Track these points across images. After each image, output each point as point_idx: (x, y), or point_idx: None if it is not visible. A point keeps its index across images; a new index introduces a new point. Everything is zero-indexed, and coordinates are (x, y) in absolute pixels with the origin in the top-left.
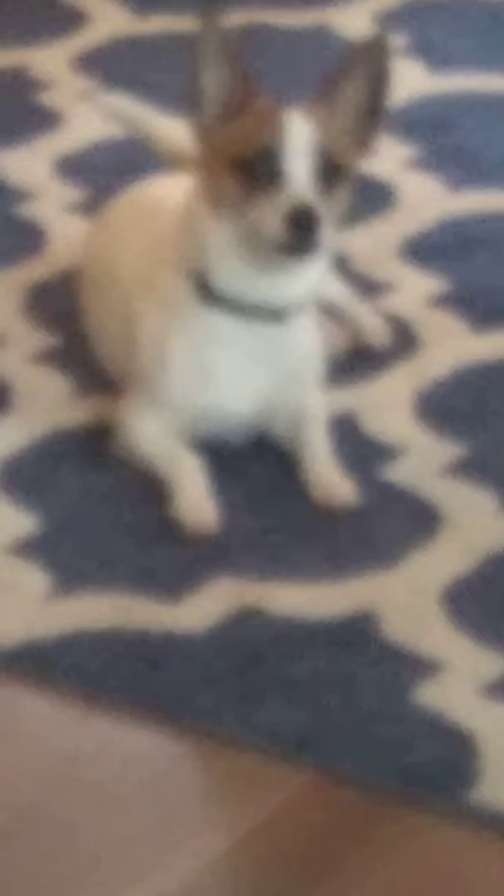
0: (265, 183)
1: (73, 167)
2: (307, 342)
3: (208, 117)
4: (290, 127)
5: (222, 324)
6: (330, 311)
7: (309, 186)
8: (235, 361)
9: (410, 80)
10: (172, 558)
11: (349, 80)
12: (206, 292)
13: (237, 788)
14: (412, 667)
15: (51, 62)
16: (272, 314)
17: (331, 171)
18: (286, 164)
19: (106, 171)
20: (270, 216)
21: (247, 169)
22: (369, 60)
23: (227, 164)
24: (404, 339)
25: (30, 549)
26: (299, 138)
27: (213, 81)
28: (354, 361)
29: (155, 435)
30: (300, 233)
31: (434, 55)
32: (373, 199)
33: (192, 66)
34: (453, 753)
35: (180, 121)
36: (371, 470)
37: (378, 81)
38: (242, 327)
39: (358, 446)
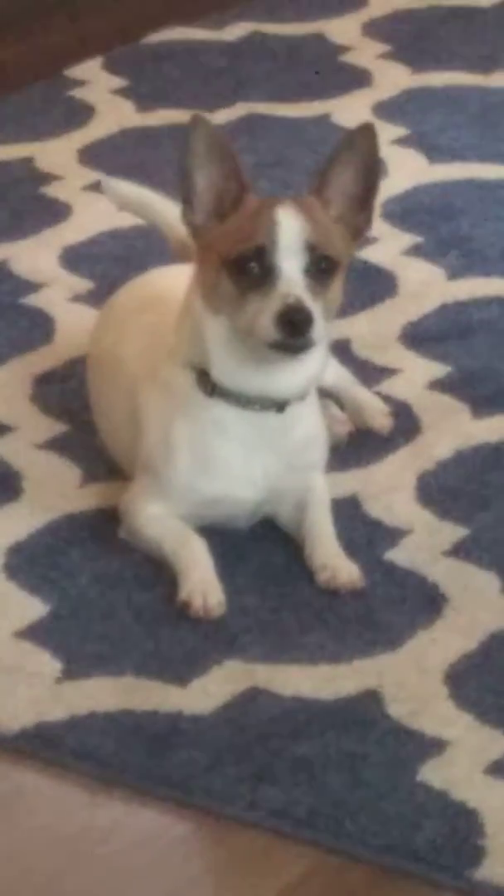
0: (258, 281)
1: (80, 257)
2: (309, 428)
3: (201, 215)
4: (281, 224)
5: (224, 413)
6: (332, 396)
7: (300, 284)
8: (238, 449)
9: (410, 170)
10: (179, 641)
11: (339, 171)
12: (208, 383)
13: (245, 867)
14: (417, 746)
15: (58, 154)
16: (273, 403)
17: (323, 264)
18: (278, 262)
19: (112, 262)
20: (263, 315)
21: (240, 266)
22: (358, 150)
23: (221, 262)
24: (406, 423)
25: (39, 633)
26: (291, 235)
27: (205, 181)
28: (357, 445)
29: (161, 520)
30: (293, 332)
31: (433, 144)
32: (375, 285)
33: (184, 166)
34: (459, 831)
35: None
36: (375, 552)
37: (368, 170)
38: (244, 417)
39: (362, 529)
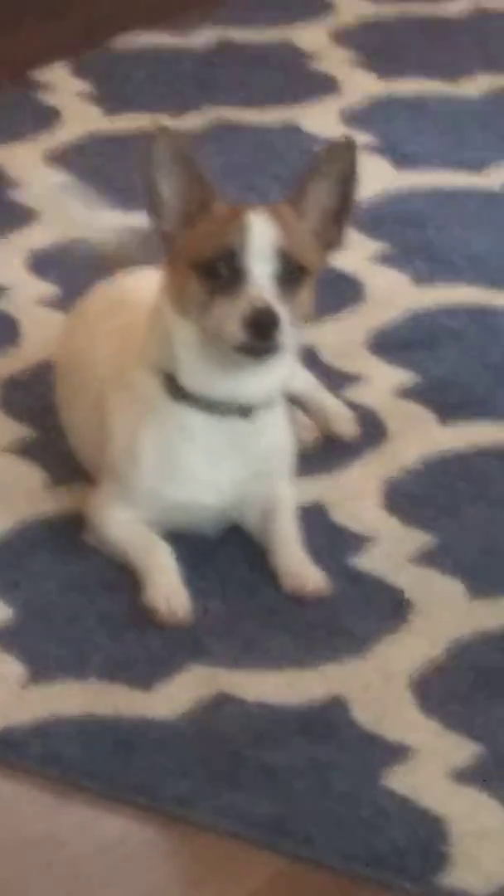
0: (226, 285)
1: (47, 262)
2: (276, 435)
3: (169, 223)
4: (251, 229)
5: (191, 419)
6: (299, 403)
7: (269, 289)
8: (205, 455)
9: (377, 177)
10: (145, 646)
11: (316, 182)
12: (175, 388)
13: (210, 874)
14: (382, 752)
15: (24, 159)
16: (240, 409)
17: (293, 271)
18: (247, 266)
19: (79, 266)
20: (231, 318)
21: (209, 271)
22: (337, 162)
23: (190, 266)
24: (373, 430)
25: (4, 637)
26: (261, 240)
27: (170, 188)
28: (323, 452)
29: (126, 524)
30: (260, 335)
31: (400, 152)
32: (341, 293)
33: (149, 174)
34: (424, 837)
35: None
36: (340, 558)
37: (345, 183)
38: (211, 422)
39: (327, 535)
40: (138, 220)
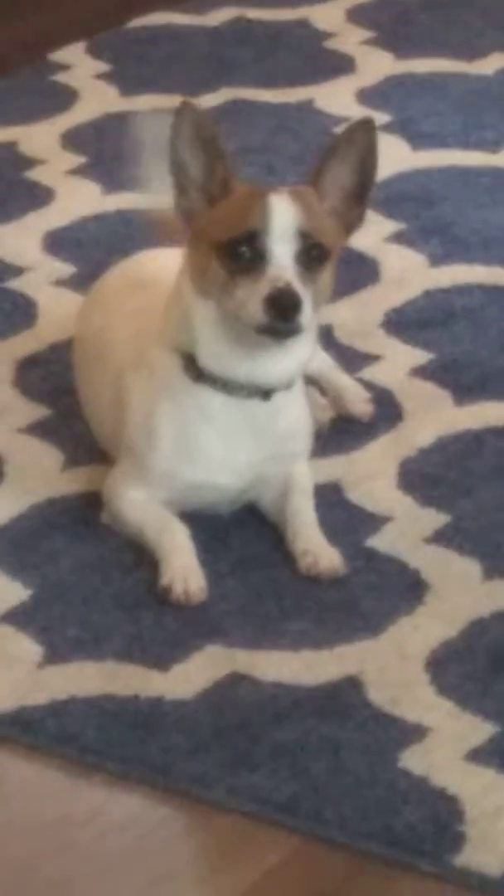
0: (249, 265)
1: (64, 242)
2: (294, 416)
3: (192, 201)
4: (273, 210)
5: (210, 399)
6: (315, 383)
7: (291, 270)
8: (223, 435)
9: (393, 157)
10: (161, 626)
11: (336, 164)
12: (194, 368)
13: (226, 852)
14: (398, 732)
15: (41, 139)
16: (259, 391)
17: (315, 252)
18: (268, 247)
19: (96, 246)
20: (252, 299)
21: (231, 251)
22: (356, 143)
23: (211, 246)
24: (388, 410)
25: (21, 617)
26: (283, 221)
27: (194, 167)
28: (339, 432)
29: (143, 504)
30: (281, 316)
31: (416, 131)
32: (357, 272)
33: (172, 152)
34: (439, 817)
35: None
36: (356, 538)
37: (364, 164)
38: (230, 402)
39: (343, 515)
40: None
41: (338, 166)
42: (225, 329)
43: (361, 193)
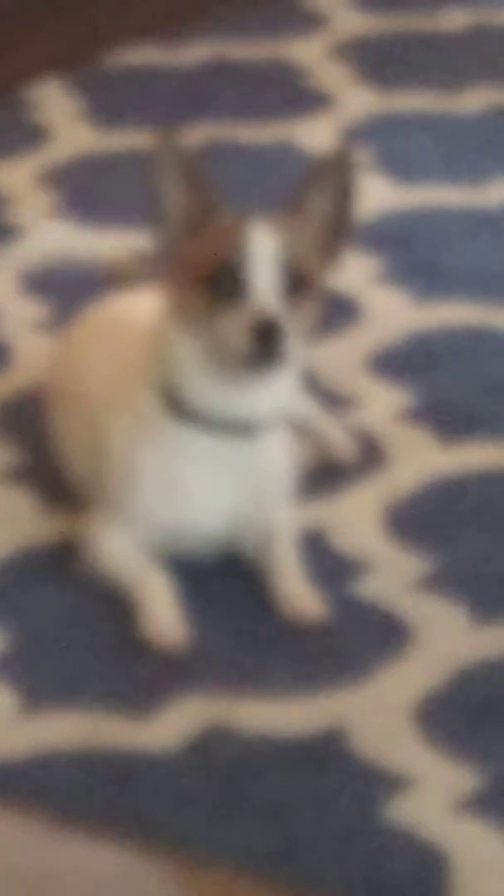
0: (230, 296)
1: (37, 283)
2: (277, 458)
3: (171, 233)
4: (253, 240)
5: (192, 439)
6: (296, 426)
7: (273, 299)
8: (205, 477)
9: (375, 194)
10: (141, 676)
11: (315, 194)
12: (176, 407)
13: None
14: (384, 783)
15: (14, 178)
16: (242, 429)
17: (296, 283)
18: (250, 277)
19: (70, 288)
20: (235, 329)
21: (211, 283)
22: (335, 174)
23: (192, 279)
24: (371, 454)
25: None
26: (263, 251)
27: (173, 199)
28: (322, 476)
29: (122, 551)
30: (264, 345)
31: (398, 169)
32: (339, 313)
33: (151, 184)
34: (426, 869)
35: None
36: (340, 585)
37: (344, 195)
38: (212, 443)
39: (326, 562)
40: (134, 239)
41: (316, 196)
42: (208, 363)
43: (342, 222)
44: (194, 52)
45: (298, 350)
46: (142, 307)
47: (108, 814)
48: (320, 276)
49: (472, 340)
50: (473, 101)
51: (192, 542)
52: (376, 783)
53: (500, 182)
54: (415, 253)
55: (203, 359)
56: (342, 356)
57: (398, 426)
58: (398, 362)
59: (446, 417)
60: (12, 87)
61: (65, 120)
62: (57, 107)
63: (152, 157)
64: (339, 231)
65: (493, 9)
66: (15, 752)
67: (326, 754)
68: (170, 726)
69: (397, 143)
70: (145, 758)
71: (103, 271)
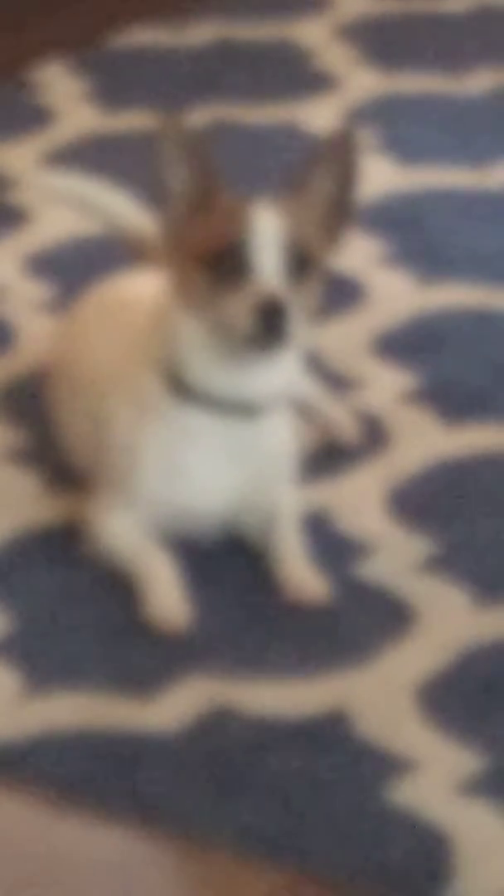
0: (233, 277)
1: (42, 265)
2: (280, 440)
3: (175, 214)
4: (257, 220)
5: (195, 420)
6: (300, 408)
7: (277, 279)
8: (208, 458)
9: (379, 176)
10: (143, 657)
11: (318, 174)
12: (179, 388)
13: (210, 889)
14: (386, 765)
15: (18, 159)
16: (245, 410)
17: (300, 263)
18: (254, 257)
19: (74, 269)
20: (239, 309)
21: (215, 263)
22: (338, 154)
23: (195, 260)
24: (375, 436)
25: (0, 648)
26: (267, 231)
27: (177, 179)
28: (325, 458)
29: (125, 533)
30: (269, 325)
31: (402, 150)
32: (342, 295)
33: (155, 165)
34: (429, 851)
35: (145, 210)
36: (343, 567)
37: (347, 175)
38: (215, 424)
39: (329, 543)
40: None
41: (320, 176)
42: (212, 343)
43: (346, 203)
44: (199, 33)
45: (302, 331)
46: (145, 288)
47: (110, 795)
48: (324, 256)
49: (477, 322)
50: (478, 82)
51: (195, 524)
52: (379, 765)
53: None
54: (419, 234)
55: (206, 339)
56: (346, 337)
57: (402, 408)
58: (402, 344)
59: (450, 399)
60: (17, 69)
61: (70, 101)
62: (62, 88)
63: (157, 138)
64: (343, 212)
65: None
66: (17, 734)
67: (329, 736)
68: (172, 708)
69: (402, 125)
70: (148, 739)
71: (129, 246)
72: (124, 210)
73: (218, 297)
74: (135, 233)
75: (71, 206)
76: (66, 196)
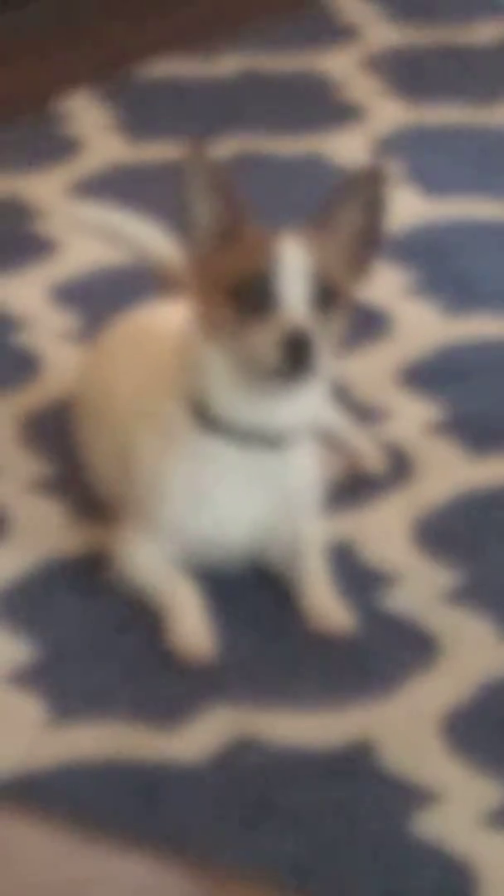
0: (259, 309)
1: (68, 295)
2: (305, 470)
3: (201, 245)
4: (284, 253)
5: (220, 451)
6: (326, 438)
7: (303, 312)
8: (233, 489)
9: (405, 207)
10: (168, 687)
11: (346, 207)
12: (204, 419)
13: None
14: (411, 796)
15: (45, 190)
16: (271, 441)
17: (326, 296)
18: (280, 290)
19: (100, 299)
20: (265, 342)
21: (241, 296)
22: (367, 188)
23: (221, 292)
24: (401, 467)
25: (25, 677)
26: (293, 264)
27: (204, 211)
28: (350, 489)
29: (151, 563)
30: (294, 358)
31: (429, 182)
32: (369, 325)
33: (182, 196)
34: (453, 883)
35: (171, 240)
36: (368, 598)
37: (375, 209)
38: (241, 455)
39: (355, 574)
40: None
41: (347, 212)
42: (237, 375)
43: (373, 236)
44: (226, 65)
45: (328, 363)
46: (171, 318)
47: (135, 825)
48: (350, 289)
49: (502, 354)
50: None
51: (220, 554)
52: (403, 796)
53: None
54: (445, 266)
55: (231, 370)
56: (372, 368)
57: (427, 439)
58: (428, 375)
59: (475, 430)
60: (44, 99)
61: (96, 132)
62: (88, 118)
63: (184, 169)
64: (370, 244)
65: None
66: (42, 763)
67: (354, 767)
68: (197, 738)
69: (428, 156)
70: (173, 769)
71: (156, 276)
72: (152, 241)
73: (244, 330)
74: (162, 263)
75: (99, 237)
76: (95, 227)
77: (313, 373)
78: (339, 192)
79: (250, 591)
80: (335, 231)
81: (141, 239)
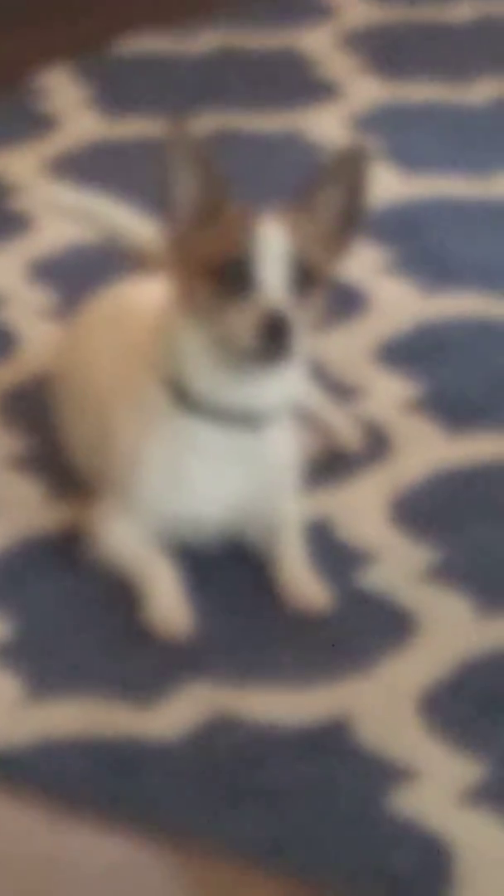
0: (238, 290)
1: (44, 272)
2: (283, 449)
3: (181, 224)
4: (263, 234)
5: (197, 429)
6: (303, 416)
7: (281, 293)
8: (210, 467)
9: (383, 185)
10: (145, 664)
11: (327, 188)
12: (182, 398)
13: None
14: (388, 773)
15: (21, 167)
16: (248, 420)
17: (305, 277)
18: (259, 272)
19: (77, 276)
20: (242, 323)
21: (220, 276)
22: (348, 169)
23: (200, 271)
24: (378, 444)
25: (2, 653)
26: (272, 245)
27: (184, 189)
28: (327, 467)
29: (128, 540)
30: (272, 340)
31: (406, 159)
32: (346, 303)
33: (162, 174)
34: (430, 860)
35: (149, 220)
36: (345, 575)
37: (356, 190)
38: (218, 433)
39: (331, 552)
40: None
41: (328, 192)
42: (215, 355)
43: (353, 217)
44: (203, 41)
45: (305, 344)
46: (149, 295)
47: (112, 802)
48: (329, 270)
49: (479, 331)
50: (481, 92)
51: (198, 532)
52: (381, 773)
53: None
54: (422, 243)
55: (209, 350)
56: (349, 346)
57: (404, 416)
58: (405, 352)
59: (452, 408)
60: (20, 75)
61: (72, 108)
62: (64, 95)
63: (165, 146)
64: (350, 225)
65: (501, 0)
66: (19, 740)
67: (331, 744)
68: (174, 715)
69: (405, 134)
70: (149, 746)
71: (136, 254)
72: (128, 225)
73: (222, 310)
74: (139, 247)
75: (76, 220)
76: (71, 211)
77: (291, 354)
78: (321, 174)
79: (228, 570)
80: (316, 211)
81: (117, 223)
